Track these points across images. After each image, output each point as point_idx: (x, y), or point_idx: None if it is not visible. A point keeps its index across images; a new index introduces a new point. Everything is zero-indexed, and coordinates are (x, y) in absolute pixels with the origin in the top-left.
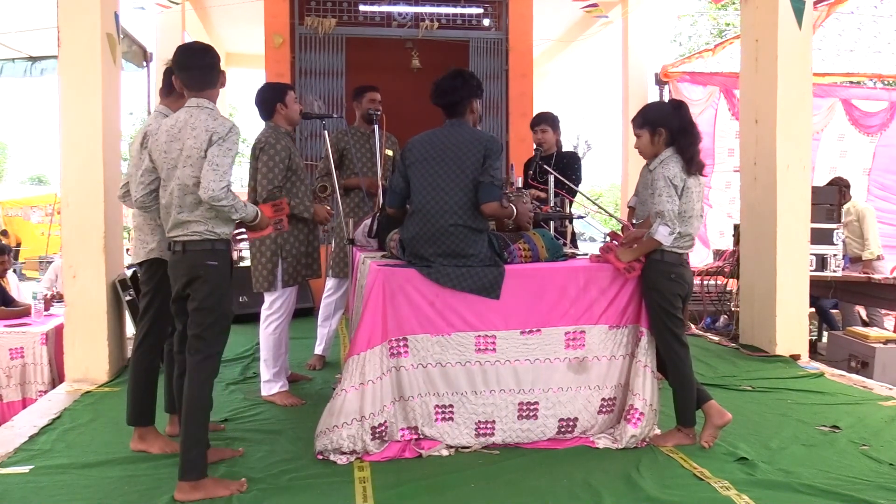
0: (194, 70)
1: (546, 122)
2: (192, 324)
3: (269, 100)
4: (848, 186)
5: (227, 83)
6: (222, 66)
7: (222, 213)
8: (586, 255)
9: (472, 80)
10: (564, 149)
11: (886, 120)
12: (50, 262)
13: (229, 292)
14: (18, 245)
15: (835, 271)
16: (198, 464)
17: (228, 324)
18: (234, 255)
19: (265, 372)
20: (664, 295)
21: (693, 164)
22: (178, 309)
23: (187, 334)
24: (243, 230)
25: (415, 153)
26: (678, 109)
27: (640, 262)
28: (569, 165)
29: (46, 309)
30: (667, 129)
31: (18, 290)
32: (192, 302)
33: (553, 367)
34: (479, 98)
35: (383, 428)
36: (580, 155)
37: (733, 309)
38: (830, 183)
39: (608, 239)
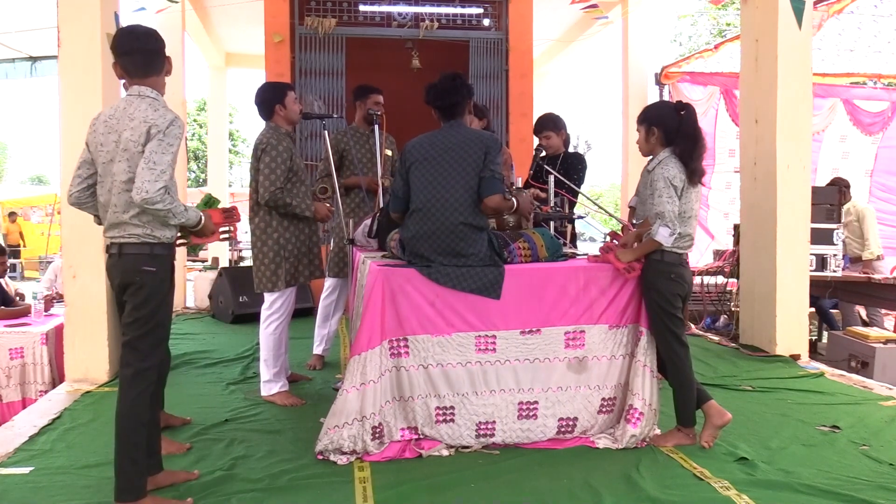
0: (137, 54)
1: (548, 127)
2: (124, 332)
3: (269, 100)
4: (848, 186)
5: (224, 83)
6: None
7: (158, 218)
8: (585, 255)
9: (467, 81)
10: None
11: (887, 120)
12: (50, 262)
13: (167, 301)
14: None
15: (835, 271)
16: (134, 484)
17: (164, 334)
18: (234, 256)
19: (265, 372)
20: (664, 295)
21: (694, 174)
22: (120, 311)
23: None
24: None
25: (415, 154)
26: (679, 112)
27: (639, 263)
28: (572, 166)
29: (47, 309)
30: (661, 128)
31: (8, 286)
32: (126, 309)
33: (552, 367)
34: (472, 99)
35: (382, 428)
36: (585, 159)
37: (733, 309)
38: (830, 183)
39: (608, 239)
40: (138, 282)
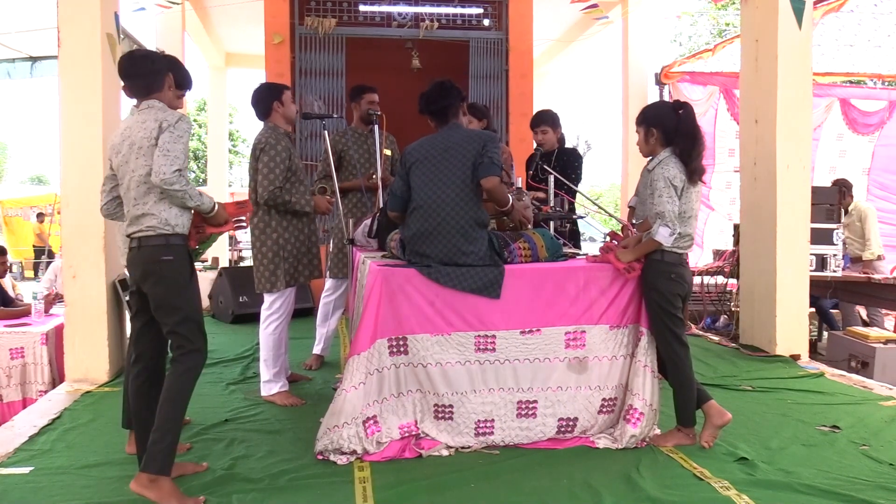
0: (138, 78)
1: (546, 122)
2: (163, 324)
3: (266, 99)
4: (850, 188)
5: (224, 83)
6: (219, 67)
7: (175, 200)
8: (585, 254)
9: (456, 86)
10: (566, 145)
11: (884, 119)
12: (50, 263)
13: (191, 287)
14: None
15: (835, 271)
16: (160, 458)
17: (200, 319)
18: (234, 256)
19: (265, 372)
20: (664, 295)
21: (694, 173)
22: (136, 304)
23: (149, 335)
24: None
25: (415, 155)
26: (678, 111)
27: (639, 263)
28: (569, 163)
29: (47, 309)
30: (660, 129)
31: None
32: (153, 302)
33: (552, 367)
34: (465, 103)
35: (381, 427)
36: (581, 153)
37: (733, 309)
38: (833, 184)
39: (608, 239)
40: (157, 272)
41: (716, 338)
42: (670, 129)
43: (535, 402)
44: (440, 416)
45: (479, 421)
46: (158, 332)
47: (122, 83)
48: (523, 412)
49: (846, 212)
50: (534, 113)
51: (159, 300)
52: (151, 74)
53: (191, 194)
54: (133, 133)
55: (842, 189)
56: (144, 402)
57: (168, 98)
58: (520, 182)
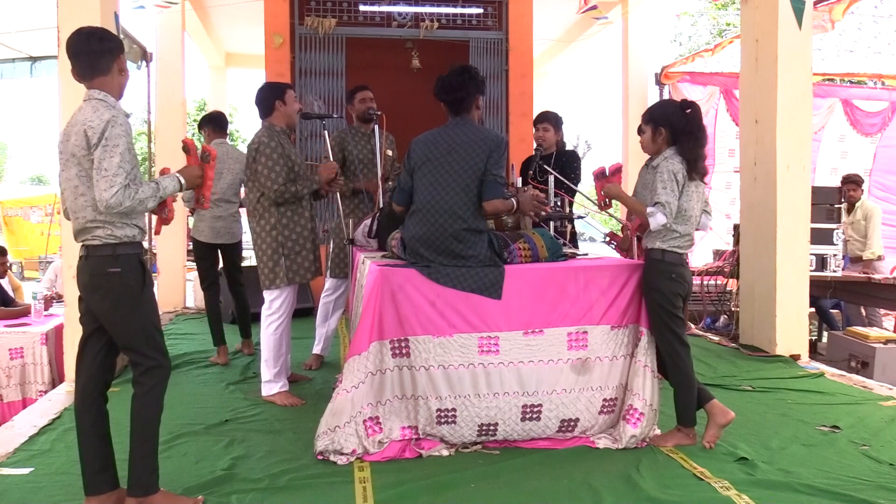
0: (82, 56)
1: (548, 120)
2: (116, 339)
3: (269, 97)
4: (860, 183)
5: (224, 83)
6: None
7: (135, 213)
8: (586, 254)
9: (477, 76)
10: (565, 148)
11: (886, 120)
12: (50, 262)
13: (145, 298)
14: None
15: (835, 271)
16: (144, 480)
17: (154, 332)
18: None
19: (266, 372)
20: (664, 295)
21: (695, 170)
22: (81, 311)
23: (93, 350)
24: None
25: (421, 153)
26: (685, 111)
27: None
28: (568, 164)
29: (46, 309)
30: (668, 128)
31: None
32: (101, 318)
33: (557, 369)
34: (483, 95)
35: (381, 428)
36: (580, 155)
37: (733, 309)
38: (845, 180)
39: (607, 239)
40: (104, 285)
41: (716, 338)
42: (678, 129)
43: (540, 405)
44: (442, 420)
45: (482, 425)
46: (103, 347)
47: (71, 63)
48: (528, 415)
49: (852, 207)
50: (536, 112)
51: (107, 316)
52: (97, 54)
53: (144, 199)
54: (69, 134)
55: (841, 188)
56: (99, 434)
57: (116, 84)
58: (518, 182)
